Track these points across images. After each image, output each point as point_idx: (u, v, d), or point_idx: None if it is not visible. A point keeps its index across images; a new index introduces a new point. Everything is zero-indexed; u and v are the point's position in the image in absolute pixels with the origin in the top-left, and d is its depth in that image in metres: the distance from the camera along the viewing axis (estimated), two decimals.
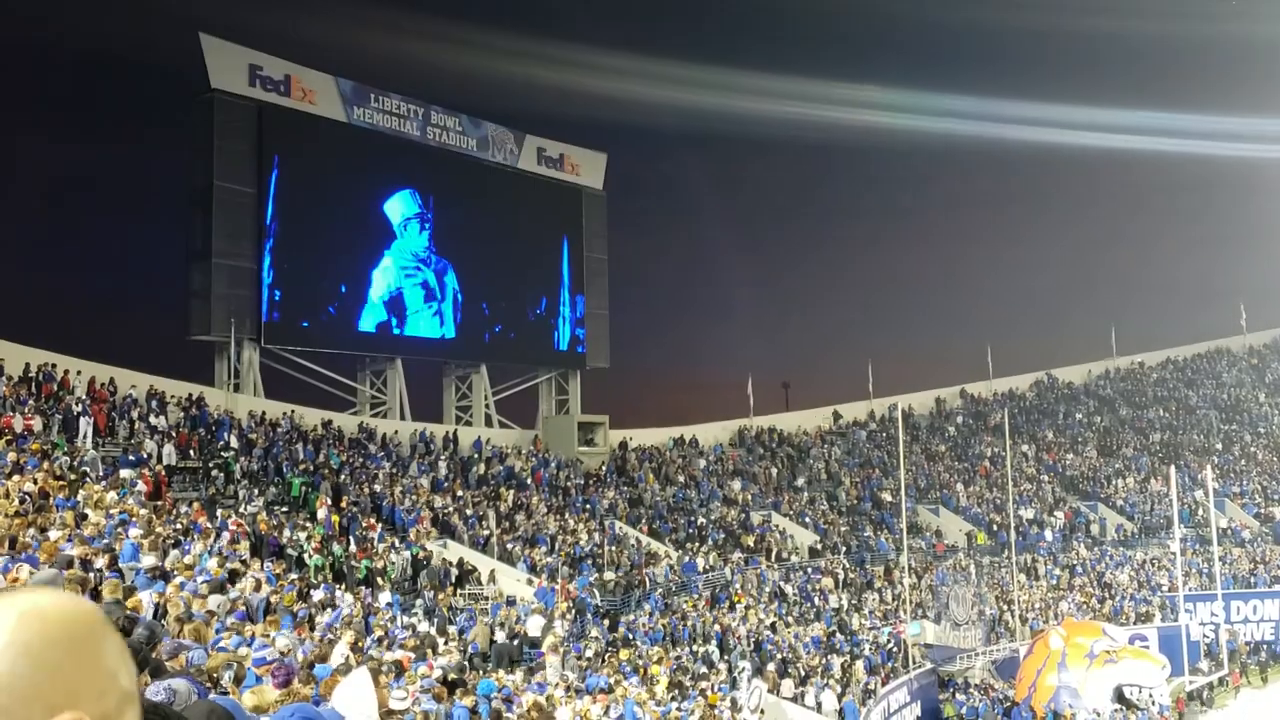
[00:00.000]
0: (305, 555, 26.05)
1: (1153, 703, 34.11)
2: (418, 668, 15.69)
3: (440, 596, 27.93)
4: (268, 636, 11.24)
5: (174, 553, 17.95)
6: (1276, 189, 78.17)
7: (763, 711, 26.90)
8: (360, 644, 15.10)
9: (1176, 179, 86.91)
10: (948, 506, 51.90)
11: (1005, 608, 43.15)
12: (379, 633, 19.93)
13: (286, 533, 27.05)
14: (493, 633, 26.30)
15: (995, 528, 49.81)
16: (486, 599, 29.86)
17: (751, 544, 42.39)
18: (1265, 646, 44.03)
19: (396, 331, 44.88)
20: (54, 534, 15.17)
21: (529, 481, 41.25)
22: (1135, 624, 41.85)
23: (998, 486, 52.70)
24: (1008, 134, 76.03)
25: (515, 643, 26.10)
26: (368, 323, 43.97)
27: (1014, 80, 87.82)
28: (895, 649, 36.05)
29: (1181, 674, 37.21)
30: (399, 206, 45.31)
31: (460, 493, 37.62)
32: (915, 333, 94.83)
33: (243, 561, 20.07)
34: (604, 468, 45.75)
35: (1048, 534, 50.99)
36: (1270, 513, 54.25)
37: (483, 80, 64.46)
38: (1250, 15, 74.23)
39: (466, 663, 20.26)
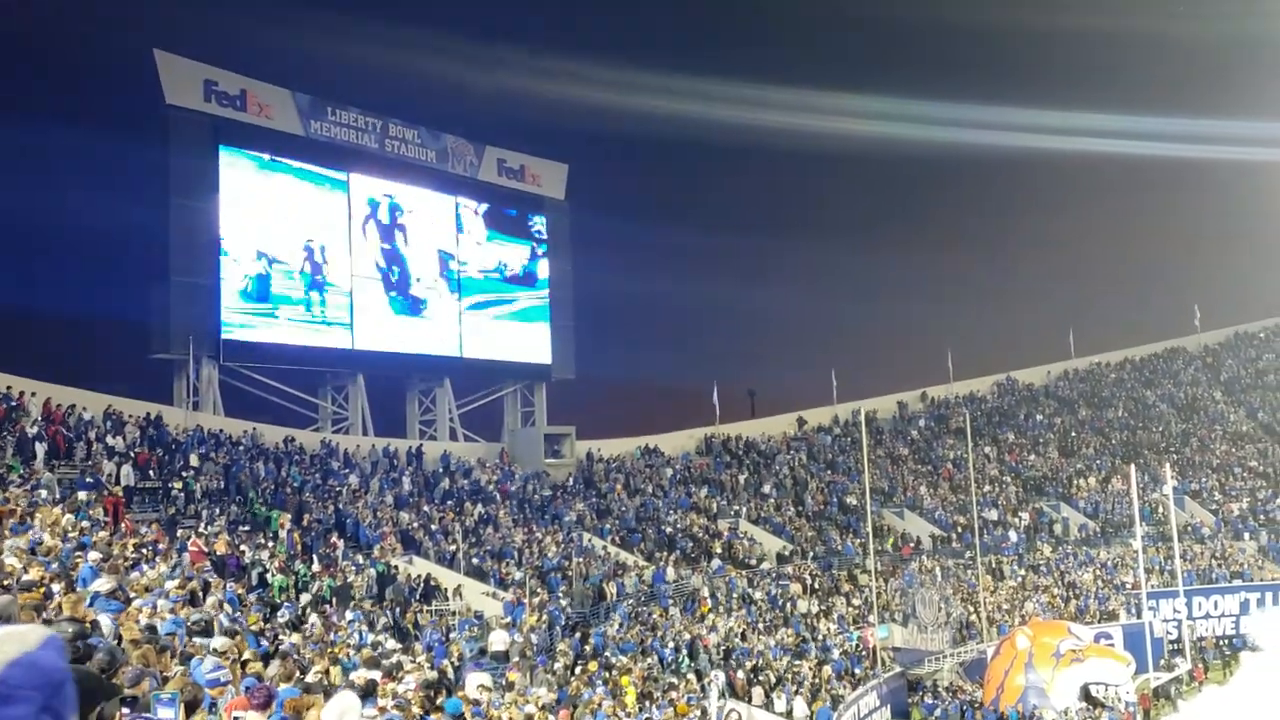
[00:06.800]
0: (268, 574, 25.75)
1: (1119, 700, 34.43)
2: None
3: (406, 614, 27.67)
4: (223, 656, 11.05)
5: (133, 574, 17.64)
6: (1227, 190, 79.63)
7: None
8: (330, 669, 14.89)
9: (1130, 181, 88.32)
10: (912, 509, 52.22)
11: (971, 609, 43.44)
12: (343, 652, 19.67)
13: (249, 552, 26.69)
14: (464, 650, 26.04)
15: (960, 530, 50.14)
16: (454, 614, 29.64)
17: (719, 551, 42.39)
18: (1225, 641, 44.69)
19: (358, 347, 44.47)
20: (9, 559, 14.85)
21: (495, 495, 41.02)
22: (1100, 622, 42.30)
23: (961, 489, 53.10)
24: (966, 139, 76.85)
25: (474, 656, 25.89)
26: (327, 338, 43.55)
27: (972, 85, 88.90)
28: (863, 653, 36.18)
29: (1146, 671, 37.61)
30: None
31: (425, 508, 37.34)
32: (877, 338, 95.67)
33: (205, 584, 19.75)
34: (571, 479, 45.61)
35: (1012, 535, 51.42)
36: (1229, 508, 55.09)
37: (440, 89, 64.19)
38: (1201, 17, 75.62)
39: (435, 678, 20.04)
